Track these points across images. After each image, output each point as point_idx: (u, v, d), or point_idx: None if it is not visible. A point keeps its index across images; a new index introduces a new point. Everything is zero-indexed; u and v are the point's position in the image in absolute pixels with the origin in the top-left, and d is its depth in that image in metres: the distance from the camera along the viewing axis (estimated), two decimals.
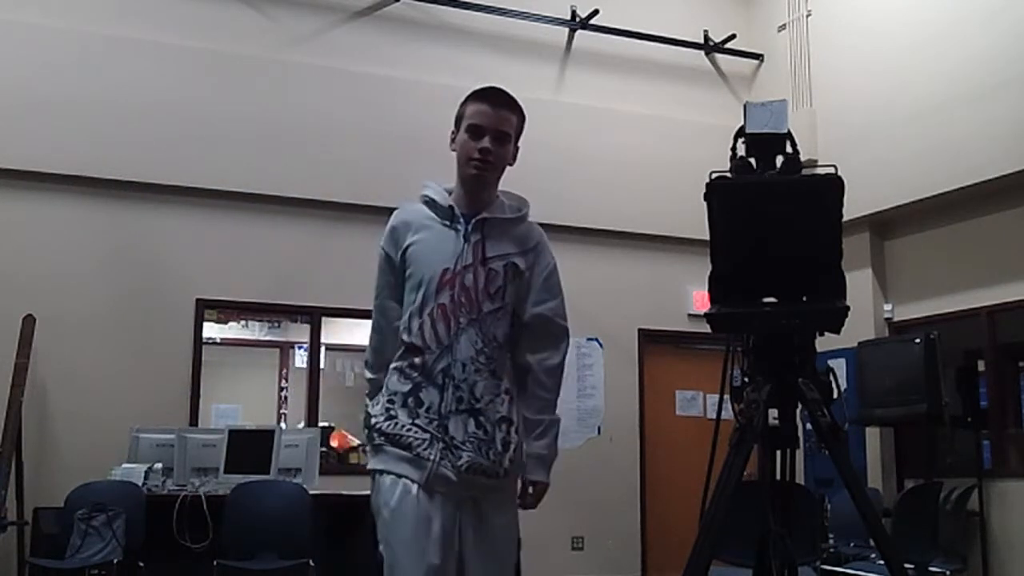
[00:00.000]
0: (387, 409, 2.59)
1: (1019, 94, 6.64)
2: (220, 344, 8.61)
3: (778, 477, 2.86)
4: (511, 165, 2.75)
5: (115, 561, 5.49)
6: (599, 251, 8.26)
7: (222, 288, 7.13)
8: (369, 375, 2.73)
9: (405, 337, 2.60)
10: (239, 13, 7.42)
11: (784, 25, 8.63)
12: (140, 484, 5.86)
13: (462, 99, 2.73)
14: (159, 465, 6.10)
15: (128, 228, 6.96)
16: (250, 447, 6.15)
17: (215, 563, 5.54)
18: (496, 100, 2.69)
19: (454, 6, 7.92)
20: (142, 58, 7.04)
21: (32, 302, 6.37)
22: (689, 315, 8.33)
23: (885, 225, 7.96)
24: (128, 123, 6.91)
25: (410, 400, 2.57)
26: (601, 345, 8.19)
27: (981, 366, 7.37)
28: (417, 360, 2.57)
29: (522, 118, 2.75)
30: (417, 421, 2.55)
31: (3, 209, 6.67)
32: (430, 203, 2.72)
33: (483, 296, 2.61)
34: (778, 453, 2.86)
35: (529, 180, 8.89)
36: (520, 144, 2.77)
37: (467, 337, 2.58)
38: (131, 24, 7.09)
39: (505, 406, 2.61)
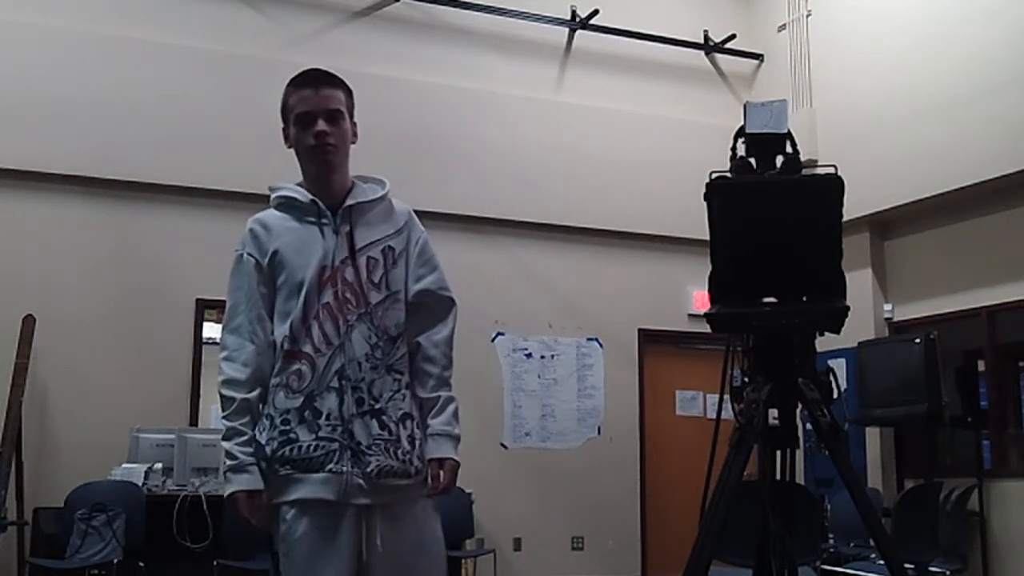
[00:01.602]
0: (283, 432, 2.36)
1: (1019, 94, 6.64)
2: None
3: (778, 477, 2.86)
4: (354, 143, 2.57)
5: (115, 561, 5.50)
6: (599, 251, 8.25)
7: (222, 288, 7.08)
8: (236, 394, 2.40)
9: (287, 346, 2.40)
10: (239, 13, 7.42)
11: (784, 25, 8.63)
12: (140, 484, 5.87)
13: (284, 89, 2.61)
14: (159, 465, 6.10)
15: (128, 228, 6.95)
16: None
17: (215, 563, 5.55)
18: (315, 81, 2.53)
19: (454, 6, 7.91)
20: (142, 58, 7.03)
21: (32, 302, 6.36)
22: (689, 315, 8.32)
23: (885, 225, 7.96)
24: (128, 123, 6.91)
25: (306, 413, 2.37)
26: (601, 345, 8.18)
27: (981, 366, 7.37)
28: (304, 368, 2.39)
29: (349, 92, 2.56)
30: (320, 434, 2.36)
31: (3, 209, 6.67)
32: (285, 203, 2.54)
33: (368, 287, 2.45)
34: (778, 453, 2.86)
35: (530, 180, 8.97)
36: (356, 120, 2.58)
37: (359, 333, 2.42)
38: (131, 24, 7.09)
39: (406, 402, 2.46)
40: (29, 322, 6.23)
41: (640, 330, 8.32)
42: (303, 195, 2.52)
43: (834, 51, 8.19)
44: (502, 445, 7.75)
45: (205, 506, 5.72)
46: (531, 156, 7.91)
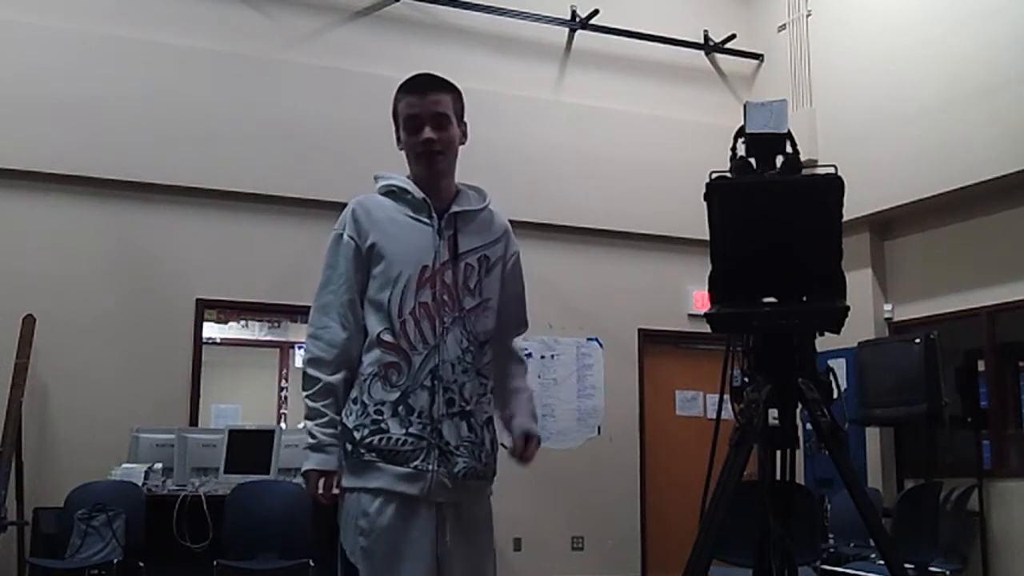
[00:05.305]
0: (375, 421, 2.42)
1: (1019, 94, 6.64)
2: (220, 344, 8.61)
3: (778, 477, 2.86)
4: (463, 144, 2.64)
5: (115, 561, 5.49)
6: (599, 251, 8.25)
7: (222, 288, 7.12)
8: (321, 375, 2.46)
9: (386, 337, 2.46)
10: (239, 13, 7.42)
11: (784, 25, 8.63)
12: (140, 484, 5.86)
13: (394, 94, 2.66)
14: (159, 465, 6.10)
15: (128, 228, 6.95)
16: (250, 447, 6.15)
17: (215, 563, 5.54)
18: (423, 86, 2.60)
19: (454, 6, 7.91)
20: (142, 58, 7.03)
21: (32, 302, 6.36)
22: (689, 315, 8.32)
23: (885, 225, 7.96)
24: (128, 123, 6.91)
25: (400, 408, 2.42)
26: (601, 345, 8.18)
27: (981, 366, 7.37)
28: (402, 363, 2.44)
29: (457, 96, 2.63)
30: (411, 430, 2.42)
31: (3, 209, 6.67)
32: (395, 192, 2.58)
33: (463, 292, 2.52)
34: (778, 453, 2.86)
35: (529, 180, 8.97)
36: (467, 121, 2.66)
37: (453, 336, 2.48)
38: (131, 24, 7.08)
39: (489, 406, 2.59)
40: (29, 322, 6.23)
41: (640, 330, 8.33)
42: (416, 190, 2.56)
43: (834, 51, 8.19)
44: (502, 445, 7.73)
45: (205, 506, 5.72)
46: (531, 156, 7.90)
